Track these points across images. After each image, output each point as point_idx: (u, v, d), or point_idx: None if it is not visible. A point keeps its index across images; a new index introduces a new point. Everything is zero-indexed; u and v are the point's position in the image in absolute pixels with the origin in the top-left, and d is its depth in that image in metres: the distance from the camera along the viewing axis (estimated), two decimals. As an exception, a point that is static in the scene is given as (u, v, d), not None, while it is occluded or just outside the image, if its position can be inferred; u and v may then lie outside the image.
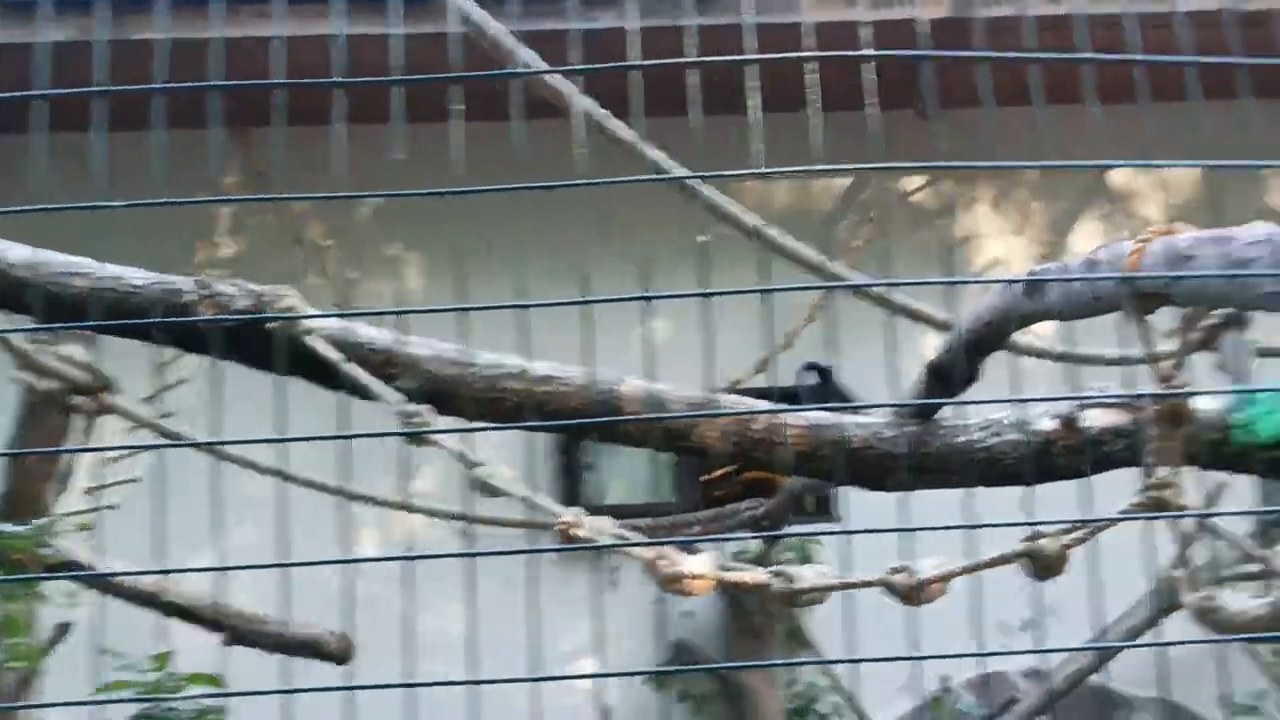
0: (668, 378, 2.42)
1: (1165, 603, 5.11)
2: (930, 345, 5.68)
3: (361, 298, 5.14)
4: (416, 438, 1.84)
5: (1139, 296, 1.40)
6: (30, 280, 2.21)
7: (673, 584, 1.54)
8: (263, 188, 5.41)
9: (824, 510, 5.36)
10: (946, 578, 1.40)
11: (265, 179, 5.34)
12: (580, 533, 1.62)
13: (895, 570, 1.43)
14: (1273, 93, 2.93)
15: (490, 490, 1.78)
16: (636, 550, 1.52)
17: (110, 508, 4.16)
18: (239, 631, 4.18)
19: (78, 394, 3.28)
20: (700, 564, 1.59)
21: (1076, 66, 3.32)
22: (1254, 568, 4.50)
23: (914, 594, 1.38)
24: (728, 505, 4.74)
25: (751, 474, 5.27)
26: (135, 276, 2.22)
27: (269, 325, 2.09)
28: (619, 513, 2.49)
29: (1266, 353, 2.34)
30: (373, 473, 4.85)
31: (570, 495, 5.34)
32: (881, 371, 3.83)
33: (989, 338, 1.92)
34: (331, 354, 2.05)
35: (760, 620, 4.98)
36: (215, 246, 5.46)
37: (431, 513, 4.24)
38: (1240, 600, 1.61)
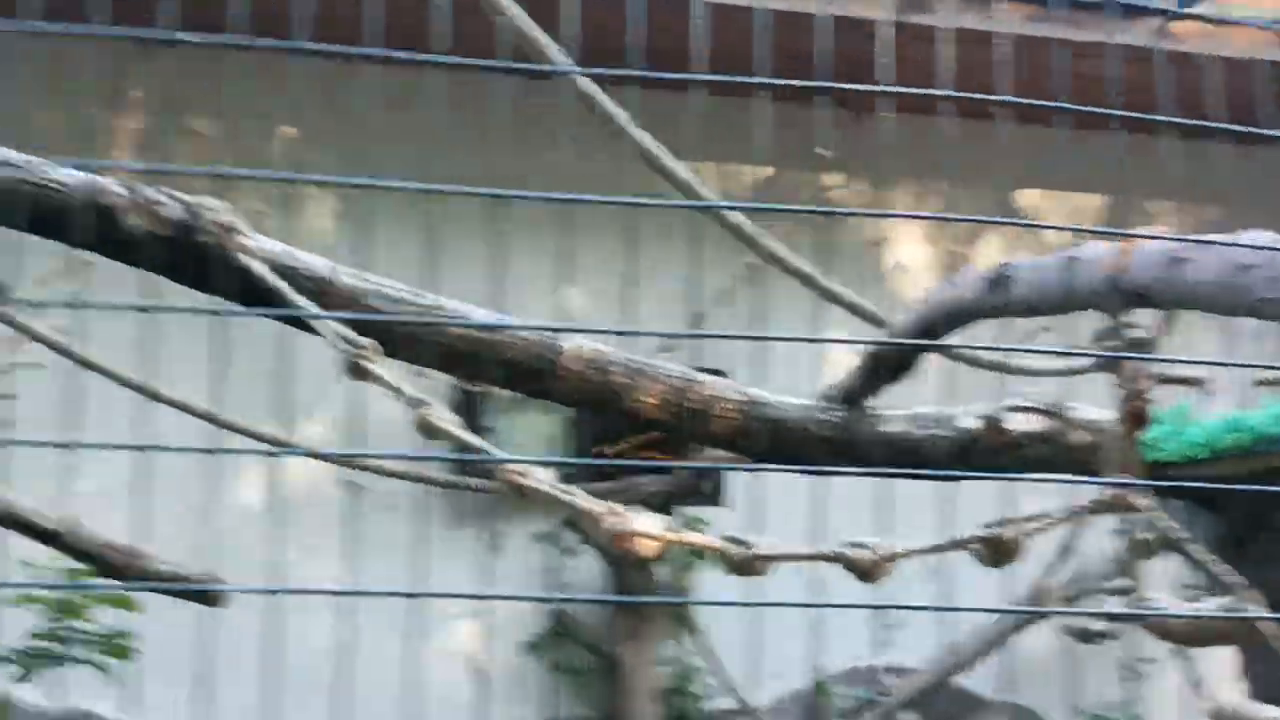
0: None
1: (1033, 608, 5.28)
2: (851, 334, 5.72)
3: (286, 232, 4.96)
4: (360, 372, 1.75)
5: (1120, 295, 1.40)
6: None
7: (623, 542, 1.50)
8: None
9: (715, 495, 5.37)
10: (905, 555, 1.39)
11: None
12: (528, 483, 1.57)
13: (855, 545, 1.41)
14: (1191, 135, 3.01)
15: (433, 433, 1.71)
16: (586, 504, 1.47)
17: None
18: (105, 561, 4.01)
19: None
20: (651, 524, 1.55)
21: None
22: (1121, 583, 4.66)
23: (874, 569, 1.36)
24: (627, 478, 4.72)
25: (647, 448, 5.25)
26: (64, 174, 2.08)
27: (203, 239, 1.99)
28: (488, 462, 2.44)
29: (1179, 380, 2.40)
30: (254, 407, 4.69)
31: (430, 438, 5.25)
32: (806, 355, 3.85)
33: (941, 328, 1.92)
34: (269, 278, 1.95)
35: (643, 593, 4.97)
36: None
37: (321, 456, 4.12)
38: (1184, 607, 1.63)
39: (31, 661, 2.62)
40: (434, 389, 4.78)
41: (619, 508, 1.56)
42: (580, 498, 1.57)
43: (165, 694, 4.21)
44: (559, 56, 3.13)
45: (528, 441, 5.59)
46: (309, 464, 4.80)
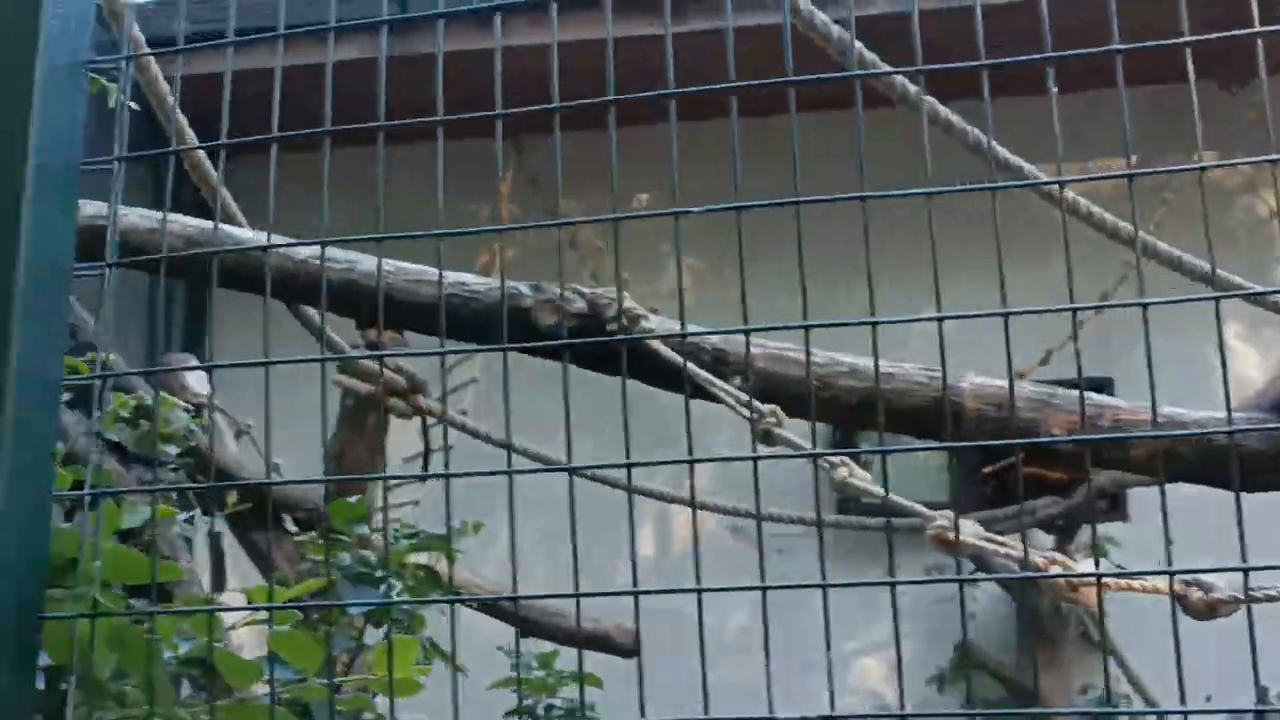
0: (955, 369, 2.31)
1: None
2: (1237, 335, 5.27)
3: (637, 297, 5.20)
4: (769, 438, 1.81)
5: None
6: (373, 289, 2.31)
7: (1068, 594, 1.45)
8: (536, 193, 5.55)
9: (1117, 509, 5.07)
10: (1243, 602, 1.26)
11: (538, 185, 5.49)
12: (961, 539, 1.55)
13: (1189, 584, 1.30)
14: None
15: (847, 490, 1.73)
16: (1033, 558, 1.43)
17: (413, 504, 4.36)
18: (535, 624, 4.31)
19: (394, 397, 3.44)
20: (1089, 567, 1.50)
21: None
22: None
23: (1206, 610, 1.25)
24: (1019, 503, 4.55)
25: (1032, 469, 5.04)
26: (475, 282, 2.28)
27: (608, 327, 2.12)
28: (897, 512, 2.40)
29: None
30: (650, 469, 4.91)
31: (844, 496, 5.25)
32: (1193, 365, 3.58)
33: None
34: (670, 354, 2.05)
35: (1051, 623, 4.76)
36: (494, 252, 5.63)
37: (723, 510, 4.24)
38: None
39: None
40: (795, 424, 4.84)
41: (1060, 556, 1.52)
42: (1015, 547, 1.55)
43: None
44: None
45: (907, 470, 5.52)
46: (697, 514, 4.95)
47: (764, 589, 1.03)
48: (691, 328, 2.25)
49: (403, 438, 5.04)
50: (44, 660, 0.91)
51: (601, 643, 4.52)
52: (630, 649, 4.55)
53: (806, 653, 4.57)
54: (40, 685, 0.89)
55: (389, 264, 2.30)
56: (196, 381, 3.67)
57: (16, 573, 0.81)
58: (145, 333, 5.61)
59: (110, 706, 1.00)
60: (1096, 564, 1.86)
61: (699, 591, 1.02)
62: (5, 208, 0.79)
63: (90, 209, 2.76)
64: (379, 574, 1.62)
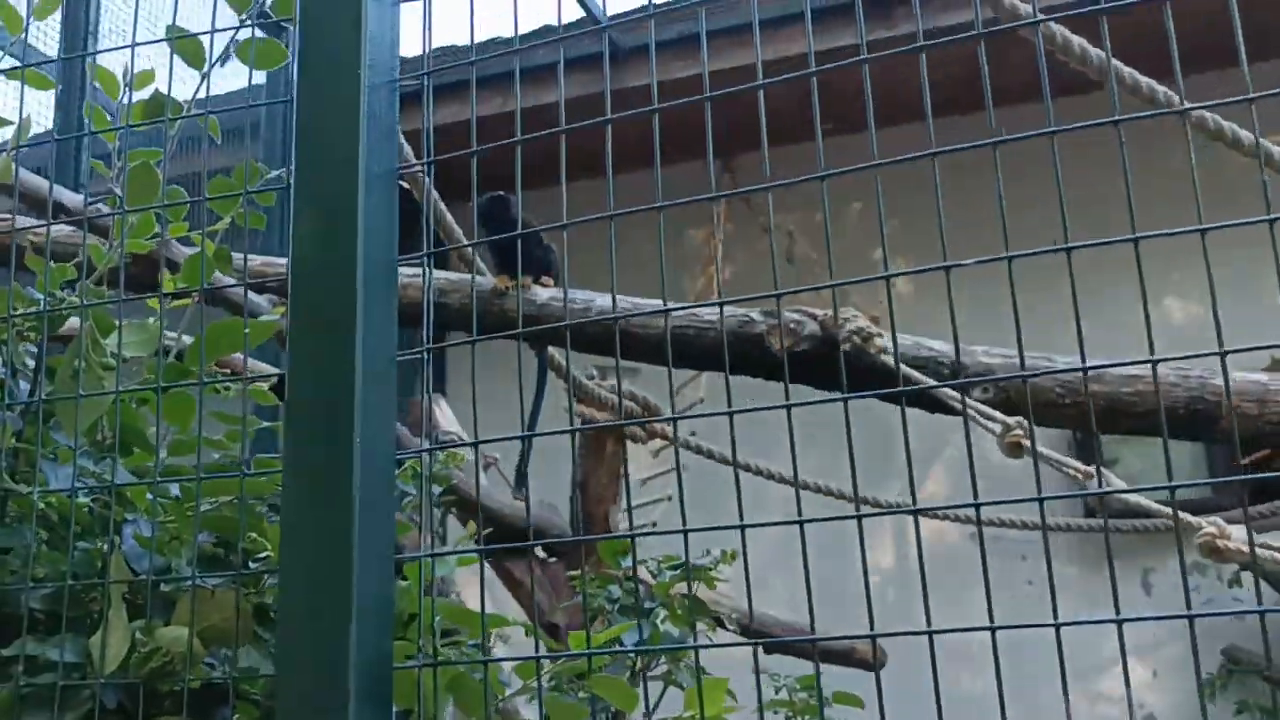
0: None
1: None
2: None
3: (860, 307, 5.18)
4: (1017, 450, 1.79)
5: None
6: (611, 326, 2.41)
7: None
8: (750, 212, 5.61)
9: (1396, 497, 4.69)
10: None
11: (751, 204, 5.54)
12: (1226, 544, 1.51)
13: None
14: None
15: (1101, 504, 1.70)
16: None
17: (652, 525, 4.47)
18: (775, 638, 4.35)
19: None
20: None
21: None
22: None
23: None
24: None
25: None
26: (707, 314, 2.35)
27: (843, 347, 2.14)
28: (1149, 512, 2.31)
29: None
30: (884, 478, 4.87)
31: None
32: None
33: None
34: (910, 372, 2.06)
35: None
36: (709, 275, 5.72)
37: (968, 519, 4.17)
38: None
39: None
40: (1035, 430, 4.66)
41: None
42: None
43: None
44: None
45: (1148, 468, 5.28)
46: (933, 524, 4.88)
47: (992, 629, 1.03)
48: (929, 341, 2.25)
49: (637, 459, 5.17)
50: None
51: (845, 657, 4.51)
52: (875, 663, 4.52)
53: (1054, 661, 4.39)
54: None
55: (625, 300, 2.39)
56: (445, 420, 3.88)
57: (373, 625, 0.92)
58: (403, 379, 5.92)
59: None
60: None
61: (929, 634, 1.02)
62: (343, 316, 0.91)
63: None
64: (647, 605, 1.70)
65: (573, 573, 2.28)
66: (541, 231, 2.71)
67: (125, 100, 1.49)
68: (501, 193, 2.58)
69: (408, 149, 2.85)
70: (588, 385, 3.35)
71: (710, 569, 1.90)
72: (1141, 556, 4.89)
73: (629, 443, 3.76)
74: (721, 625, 1.93)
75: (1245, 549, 1.48)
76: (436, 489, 2.59)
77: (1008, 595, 4.77)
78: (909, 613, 4.35)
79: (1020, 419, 1.83)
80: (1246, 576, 4.81)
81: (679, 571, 1.79)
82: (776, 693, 1.99)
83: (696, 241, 5.73)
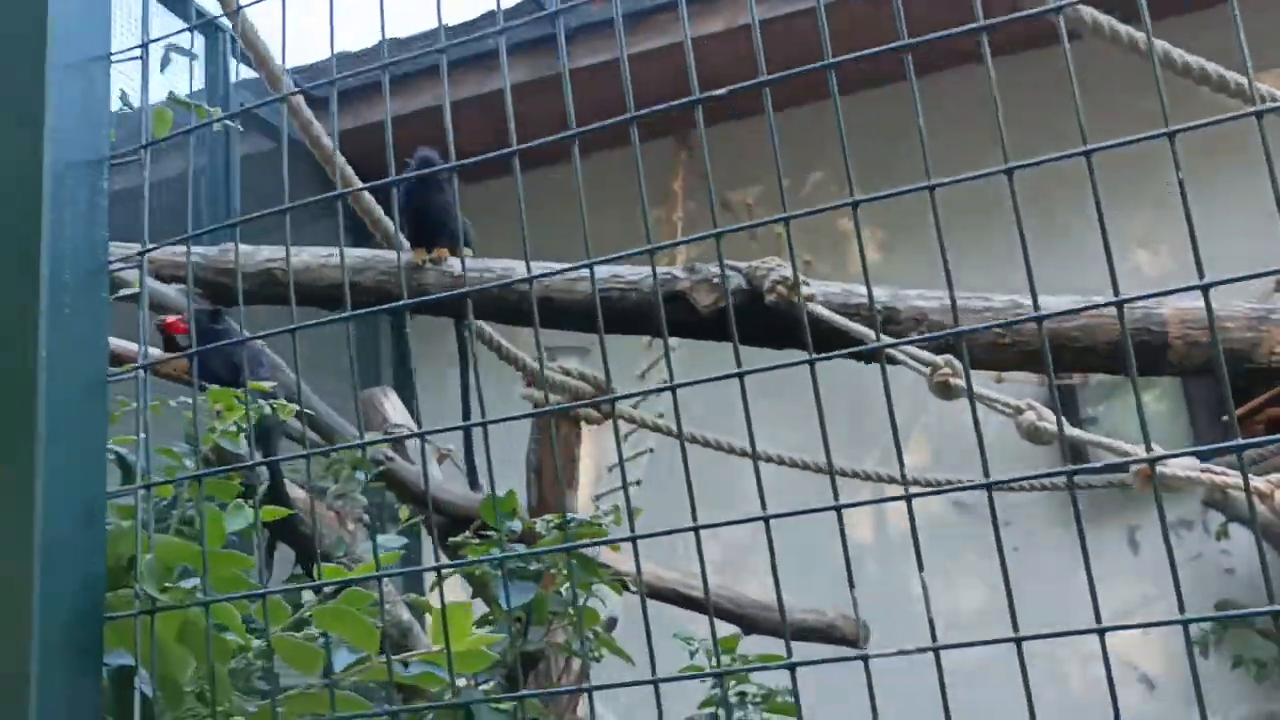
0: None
1: None
2: None
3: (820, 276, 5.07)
4: (947, 390, 1.68)
5: None
6: (527, 293, 2.29)
7: (1300, 519, 1.28)
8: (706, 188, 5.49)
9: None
10: None
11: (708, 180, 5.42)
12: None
13: None
14: None
15: (1040, 437, 1.59)
16: (1254, 484, 1.27)
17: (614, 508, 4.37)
18: (754, 621, 4.23)
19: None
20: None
21: None
22: None
23: None
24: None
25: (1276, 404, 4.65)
26: (630, 273, 2.24)
27: (770, 301, 2.03)
28: (1107, 453, 2.20)
29: None
30: (860, 445, 4.76)
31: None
32: None
33: None
34: (837, 320, 1.95)
35: (1321, 569, 4.34)
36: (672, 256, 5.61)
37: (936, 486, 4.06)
38: None
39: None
40: (1018, 390, 4.56)
41: (1282, 480, 1.34)
42: (1234, 477, 1.38)
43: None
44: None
45: (1132, 424, 5.16)
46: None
47: (1018, 641, 0.92)
48: (859, 288, 2.14)
49: (605, 444, 5.06)
50: (121, 660, 0.90)
51: (825, 634, 4.39)
52: (856, 638, 4.40)
53: (1038, 626, 4.28)
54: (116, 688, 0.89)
55: (541, 266, 2.27)
56: (394, 412, 3.77)
57: (70, 575, 0.81)
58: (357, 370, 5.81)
59: (193, 705, 0.99)
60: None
61: (935, 648, 0.90)
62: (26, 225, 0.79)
63: (267, 252, 2.87)
64: (532, 567, 1.58)
65: (454, 539, 2.17)
66: (452, 199, 2.60)
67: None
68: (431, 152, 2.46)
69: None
70: (533, 366, 3.23)
71: (597, 523, 1.78)
72: (1128, 513, 4.78)
73: (594, 426, 3.64)
74: (626, 588, 1.82)
75: (1187, 476, 1.36)
76: (361, 475, 2.48)
77: (993, 563, 4.65)
78: (891, 586, 4.23)
79: (949, 356, 1.71)
80: (1234, 528, 4.70)
81: (561, 531, 1.68)
82: (691, 657, 1.89)
83: (653, 219, 5.62)
